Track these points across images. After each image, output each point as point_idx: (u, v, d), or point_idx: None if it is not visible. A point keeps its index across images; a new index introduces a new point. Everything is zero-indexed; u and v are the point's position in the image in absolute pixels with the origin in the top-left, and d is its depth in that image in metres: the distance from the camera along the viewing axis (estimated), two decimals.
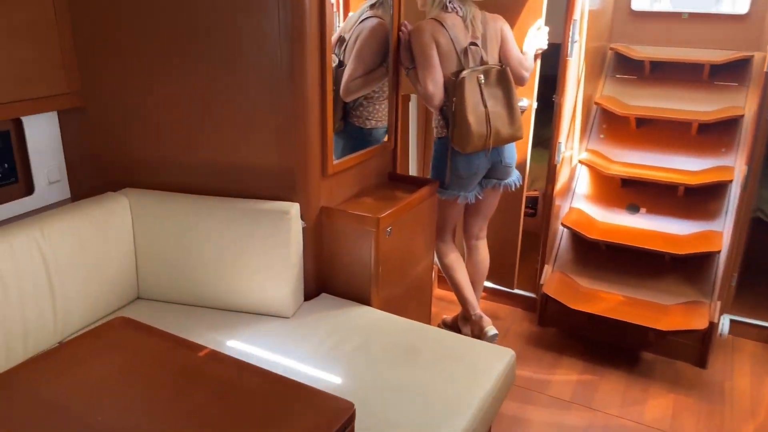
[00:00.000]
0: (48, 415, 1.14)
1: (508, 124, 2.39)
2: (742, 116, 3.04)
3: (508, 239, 3.07)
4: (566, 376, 2.67)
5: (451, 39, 2.32)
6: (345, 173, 2.30)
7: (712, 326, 2.62)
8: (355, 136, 2.57)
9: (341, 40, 2.52)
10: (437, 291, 3.34)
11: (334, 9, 2.71)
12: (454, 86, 2.30)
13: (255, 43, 1.98)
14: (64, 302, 1.91)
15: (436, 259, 2.73)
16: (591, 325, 2.84)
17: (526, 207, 3.06)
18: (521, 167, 2.78)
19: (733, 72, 3.21)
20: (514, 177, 2.59)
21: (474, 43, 2.35)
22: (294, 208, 2.08)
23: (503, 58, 2.46)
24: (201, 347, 1.32)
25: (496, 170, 2.52)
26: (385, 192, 2.49)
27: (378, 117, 2.57)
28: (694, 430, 2.37)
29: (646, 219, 3.02)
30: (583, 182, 3.22)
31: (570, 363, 2.76)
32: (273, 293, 2.10)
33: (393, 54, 2.43)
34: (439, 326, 3.00)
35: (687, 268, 2.86)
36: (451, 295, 3.34)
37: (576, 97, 2.98)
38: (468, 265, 2.76)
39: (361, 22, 2.48)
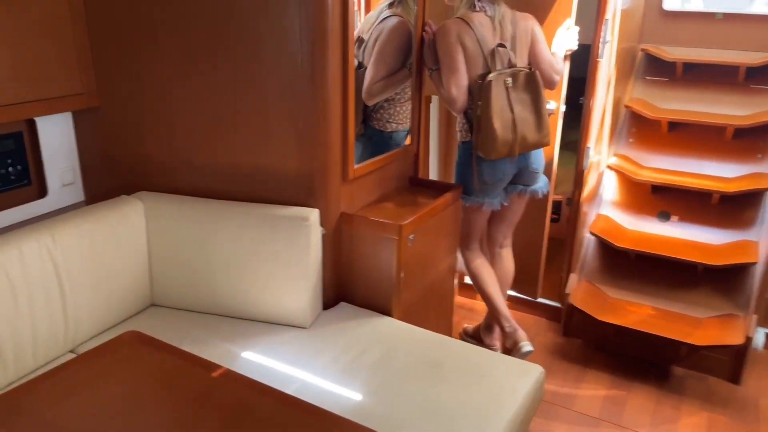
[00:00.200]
0: None
1: (536, 130, 2.28)
2: None
3: (532, 246, 2.96)
4: (593, 391, 2.56)
5: (478, 40, 2.22)
6: (365, 178, 2.22)
7: (748, 341, 2.50)
8: (375, 140, 2.49)
9: (360, 40, 2.43)
10: (457, 298, 3.24)
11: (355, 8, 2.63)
12: (479, 90, 2.20)
13: (275, 43, 1.90)
14: (75, 310, 1.85)
15: (461, 267, 2.63)
16: (619, 337, 2.73)
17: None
18: (547, 172, 2.68)
19: None
20: (541, 183, 2.48)
21: (502, 45, 2.24)
22: (313, 214, 2.00)
23: (533, 61, 2.35)
24: (215, 366, 1.24)
25: (522, 176, 2.41)
26: (407, 197, 2.40)
27: (399, 119, 2.49)
28: None
29: (678, 227, 2.90)
30: (611, 188, 3.10)
31: (597, 377, 2.65)
32: (290, 302, 2.03)
33: (416, 54, 2.34)
34: (459, 335, 2.91)
35: (720, 280, 2.74)
36: (472, 303, 3.26)
37: (606, 99, 2.87)
38: None
39: (380, 22, 2.39)
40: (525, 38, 2.31)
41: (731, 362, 2.60)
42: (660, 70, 3.29)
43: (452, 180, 3.16)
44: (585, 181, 2.80)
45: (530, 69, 2.28)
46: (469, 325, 2.91)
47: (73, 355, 1.86)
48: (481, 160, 2.30)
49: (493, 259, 2.65)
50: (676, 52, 3.23)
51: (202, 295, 2.09)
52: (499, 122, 2.20)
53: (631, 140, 3.17)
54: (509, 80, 2.21)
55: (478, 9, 2.24)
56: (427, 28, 2.32)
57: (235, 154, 2.07)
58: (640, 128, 3.17)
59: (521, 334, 2.45)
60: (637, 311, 2.71)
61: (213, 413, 1.12)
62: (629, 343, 2.75)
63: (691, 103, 3.15)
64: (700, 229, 2.87)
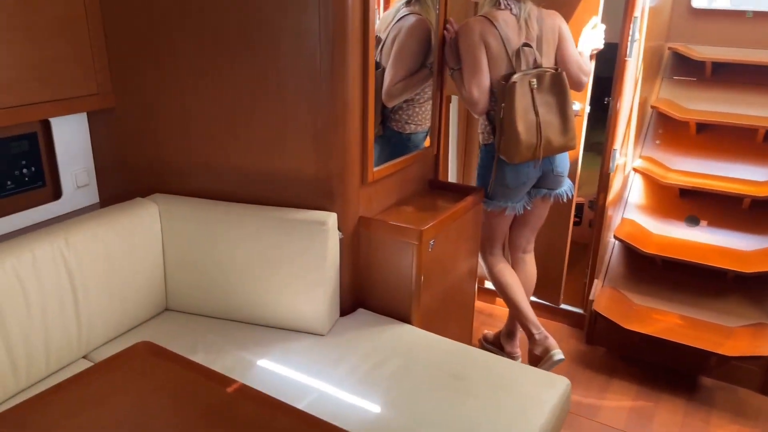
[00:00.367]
0: None
1: (561, 133, 2.19)
2: None
3: (553, 250, 2.88)
4: (619, 402, 2.47)
5: (502, 39, 2.14)
6: (385, 181, 2.16)
7: None
8: (393, 142, 2.43)
9: (377, 40, 2.37)
10: (475, 303, 3.16)
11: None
12: (503, 91, 2.12)
13: (293, 42, 1.85)
14: (88, 314, 1.82)
15: (481, 272, 2.56)
16: (645, 346, 2.64)
17: None
18: (571, 174, 2.59)
19: None
20: (565, 187, 2.40)
21: (527, 44, 2.16)
22: (331, 218, 1.95)
23: (560, 61, 2.26)
24: (230, 381, 1.19)
25: (546, 179, 2.33)
26: (427, 201, 2.34)
27: (418, 120, 2.42)
28: None
29: (707, 233, 2.80)
30: (636, 191, 3.01)
31: (622, 387, 2.57)
32: (307, 308, 1.97)
33: (437, 53, 2.27)
34: (479, 341, 2.84)
35: (751, 287, 2.64)
36: (491, 308, 3.19)
37: (632, 100, 2.78)
38: None
39: (398, 21, 2.33)
40: (552, 37, 2.22)
41: (763, 373, 2.50)
42: (688, 70, 3.19)
43: (472, 182, 3.10)
44: (610, 184, 2.72)
45: (556, 69, 2.19)
46: (489, 332, 2.84)
47: (86, 361, 1.82)
48: (504, 163, 2.23)
49: (515, 265, 2.57)
50: (704, 51, 3.13)
51: (217, 300, 2.04)
52: (523, 125, 2.12)
53: (657, 142, 3.07)
54: (534, 81, 2.13)
55: (503, 7, 2.16)
56: (448, 26, 2.25)
57: (251, 156, 2.02)
58: (667, 129, 3.07)
59: (552, 341, 2.37)
60: (664, 320, 2.62)
61: (228, 431, 1.07)
62: (656, 353, 2.66)
63: (720, 104, 3.05)
64: (730, 235, 2.77)
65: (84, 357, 1.84)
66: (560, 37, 2.24)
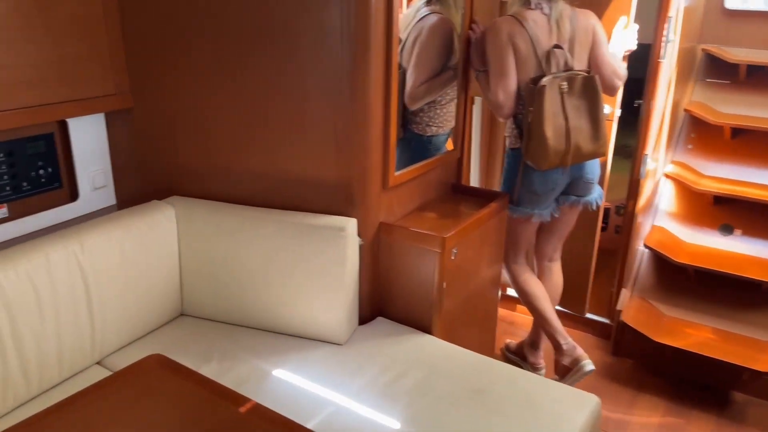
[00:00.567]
0: None
1: (591, 139, 2.09)
2: None
3: (579, 258, 2.79)
4: (647, 418, 2.37)
5: (531, 40, 2.05)
6: (406, 185, 2.09)
7: None
8: (413, 144, 2.36)
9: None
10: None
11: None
12: (531, 94, 2.03)
13: (314, 43, 1.79)
14: (102, 320, 1.78)
15: (504, 280, 2.48)
16: (675, 359, 2.54)
17: None
18: (600, 180, 2.50)
19: None
20: (595, 194, 2.30)
21: (558, 46, 2.06)
22: (351, 224, 1.88)
23: (593, 64, 2.16)
24: (243, 399, 1.13)
25: (575, 186, 2.24)
26: (449, 206, 2.27)
27: (439, 122, 2.35)
28: None
29: (742, 242, 2.69)
30: (667, 198, 2.90)
31: (650, 402, 2.47)
32: (325, 316, 1.91)
33: (462, 54, 2.20)
34: (501, 350, 2.75)
35: None
36: (512, 315, 3.10)
37: (665, 103, 2.67)
38: None
39: (419, 21, 2.25)
40: (585, 38, 2.12)
41: None
42: (721, 72, 3.07)
43: (495, 187, 3.02)
44: (641, 190, 2.62)
45: (588, 73, 2.09)
46: (512, 341, 2.75)
47: (99, 367, 1.79)
48: (531, 169, 2.14)
49: (540, 273, 2.48)
50: (739, 54, 3.01)
51: (233, 306, 2.00)
52: (552, 130, 2.03)
53: (690, 147, 2.96)
54: (564, 85, 2.03)
55: (533, 6, 2.07)
56: (473, 26, 2.17)
57: (269, 159, 1.96)
58: (700, 134, 2.96)
59: (581, 351, 2.28)
60: (695, 332, 2.52)
61: None
62: (686, 367, 2.56)
63: (755, 108, 2.93)
64: (765, 245, 2.65)
65: (97, 363, 1.80)
66: (594, 38, 2.14)
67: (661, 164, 2.89)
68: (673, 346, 2.42)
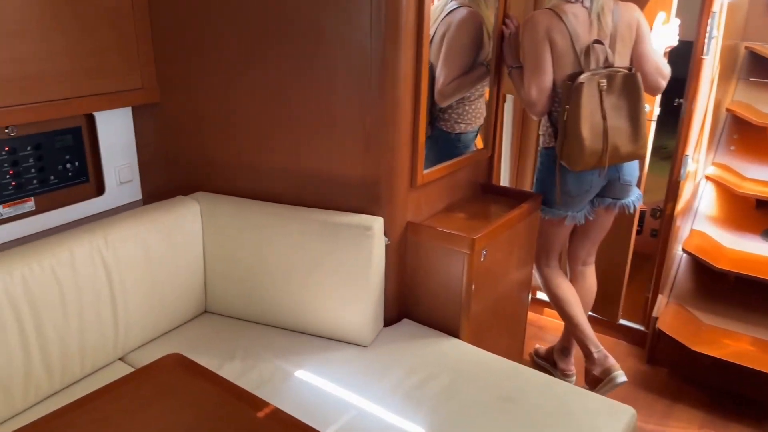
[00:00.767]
0: None
1: (630, 140, 1.99)
2: None
3: (613, 262, 2.69)
4: (683, 430, 2.27)
5: (570, 35, 1.96)
6: (435, 184, 2.03)
7: None
8: (441, 142, 2.29)
9: None
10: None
11: None
12: (568, 92, 1.94)
13: (343, 38, 1.74)
14: (125, 316, 1.76)
15: (535, 283, 2.40)
16: (713, 369, 2.43)
17: None
18: (638, 182, 2.40)
19: None
20: (633, 197, 2.20)
21: (598, 41, 1.97)
22: (377, 223, 1.83)
23: (636, 61, 2.05)
24: (262, 403, 1.09)
25: (612, 188, 2.15)
26: (479, 206, 2.20)
27: (468, 119, 2.27)
28: None
29: None
30: (708, 201, 2.79)
31: (687, 413, 2.36)
32: (350, 317, 1.87)
33: (495, 49, 2.13)
34: (530, 356, 2.68)
35: None
36: (542, 319, 3.01)
37: (707, 102, 2.56)
38: None
39: (447, 15, 2.18)
40: (628, 34, 2.02)
41: None
42: (765, 71, 2.94)
43: (526, 187, 2.94)
44: (680, 192, 2.51)
45: (630, 70, 1.99)
46: (541, 346, 2.67)
47: (122, 363, 1.77)
48: (566, 169, 2.06)
49: (573, 278, 2.40)
50: None
51: (258, 304, 1.96)
52: (588, 130, 1.94)
53: (732, 148, 2.84)
54: (604, 82, 1.93)
55: (574, 0, 2.00)
56: (507, 21, 2.10)
57: (296, 155, 1.93)
58: (743, 135, 2.83)
59: (612, 361, 2.19)
60: (734, 342, 2.41)
61: None
62: (725, 377, 2.44)
63: None
64: None
65: (120, 359, 1.79)
66: (638, 33, 2.03)
67: (702, 166, 2.78)
68: (711, 355, 2.31)
